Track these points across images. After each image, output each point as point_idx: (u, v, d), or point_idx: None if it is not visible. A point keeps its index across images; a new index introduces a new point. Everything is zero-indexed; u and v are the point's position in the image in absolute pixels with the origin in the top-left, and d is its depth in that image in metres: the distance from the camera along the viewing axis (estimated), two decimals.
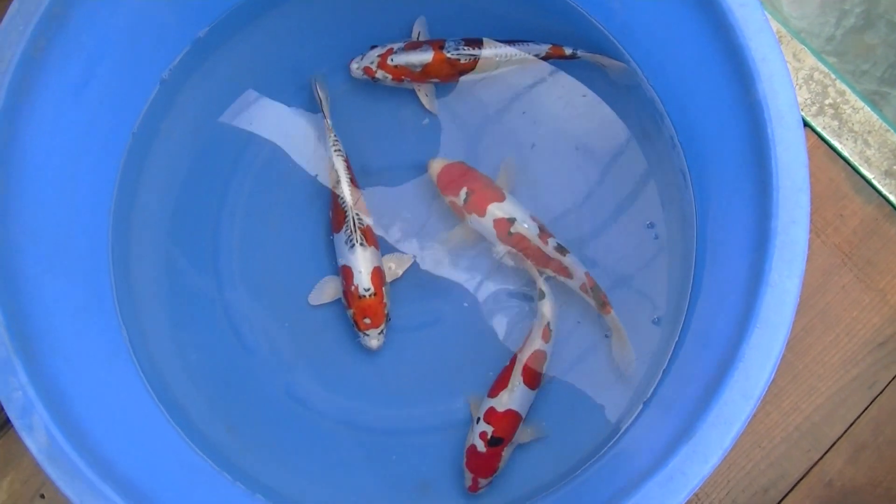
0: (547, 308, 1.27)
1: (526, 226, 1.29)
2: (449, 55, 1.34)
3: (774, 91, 1.04)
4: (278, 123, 1.39)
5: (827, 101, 1.44)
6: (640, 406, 1.24)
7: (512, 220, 1.29)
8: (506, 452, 1.24)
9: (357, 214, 1.30)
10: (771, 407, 1.38)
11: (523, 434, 1.26)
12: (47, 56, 1.12)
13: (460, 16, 1.42)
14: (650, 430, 1.17)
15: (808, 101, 1.44)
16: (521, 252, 1.30)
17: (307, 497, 1.27)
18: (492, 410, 1.24)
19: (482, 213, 1.30)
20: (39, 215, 1.16)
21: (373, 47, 1.37)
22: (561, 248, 1.29)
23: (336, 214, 1.32)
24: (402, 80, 1.36)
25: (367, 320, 1.28)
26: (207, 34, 1.37)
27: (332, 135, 1.34)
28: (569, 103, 1.38)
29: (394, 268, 1.33)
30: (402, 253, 1.34)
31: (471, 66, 1.36)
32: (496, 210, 1.29)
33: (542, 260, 1.29)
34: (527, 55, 1.36)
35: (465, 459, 1.25)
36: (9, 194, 1.10)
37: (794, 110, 1.03)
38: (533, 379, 1.25)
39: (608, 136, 1.36)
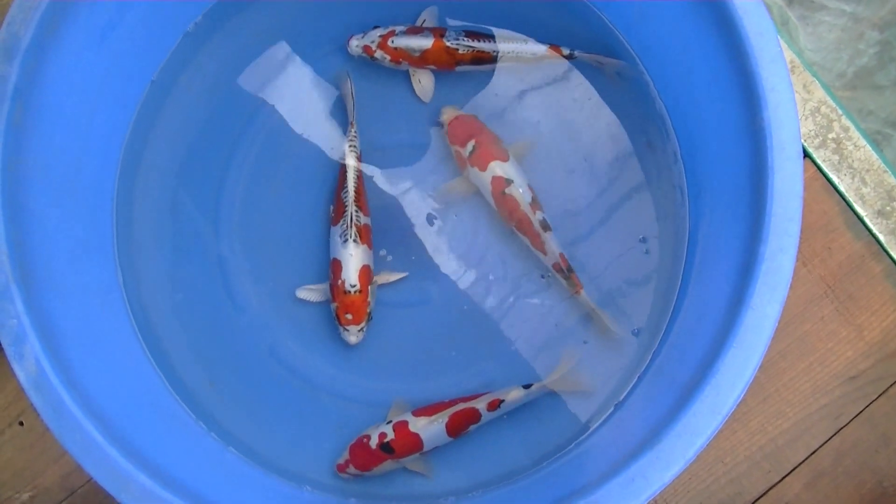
0: (514, 395, 1.27)
1: (521, 191, 1.32)
2: (448, 44, 1.37)
3: (780, 121, 1.06)
4: (296, 91, 1.41)
5: (830, 136, 1.46)
6: (611, 409, 1.26)
7: (509, 182, 1.32)
8: (387, 465, 1.26)
9: (356, 211, 1.32)
10: (738, 425, 1.41)
11: (415, 463, 1.28)
12: None
13: (478, 7, 1.43)
14: (618, 433, 1.20)
15: (813, 133, 1.47)
16: (508, 214, 1.33)
17: (279, 456, 1.30)
18: (403, 424, 1.26)
19: (483, 168, 1.32)
20: (53, 150, 1.18)
21: (375, 27, 1.39)
22: (545, 224, 1.31)
23: (337, 208, 1.34)
24: (400, 63, 1.38)
25: (349, 316, 1.30)
26: None
27: (353, 130, 1.37)
28: (575, 106, 1.40)
29: (384, 278, 1.35)
30: (397, 273, 1.36)
31: (468, 58, 1.38)
32: (497, 168, 1.32)
33: (525, 228, 1.32)
34: (524, 53, 1.39)
35: (353, 441, 1.28)
36: (26, 127, 1.12)
37: (796, 142, 1.06)
38: (455, 429, 1.26)
39: (612, 143, 1.38)
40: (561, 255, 1.31)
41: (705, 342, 1.06)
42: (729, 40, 1.11)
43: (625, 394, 1.26)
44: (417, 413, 1.27)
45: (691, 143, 1.30)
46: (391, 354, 1.35)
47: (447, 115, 1.37)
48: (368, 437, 1.26)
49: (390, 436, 1.25)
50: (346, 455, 1.27)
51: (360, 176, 1.36)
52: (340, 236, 1.31)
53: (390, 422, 1.27)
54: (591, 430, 1.26)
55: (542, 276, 1.35)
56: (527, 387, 1.27)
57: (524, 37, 1.39)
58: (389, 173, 1.40)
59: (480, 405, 1.26)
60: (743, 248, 1.07)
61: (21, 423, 1.41)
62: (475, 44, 1.37)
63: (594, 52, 1.38)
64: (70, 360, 1.09)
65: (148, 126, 1.37)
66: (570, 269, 1.31)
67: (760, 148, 1.07)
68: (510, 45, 1.38)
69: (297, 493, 1.27)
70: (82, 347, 1.13)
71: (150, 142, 1.38)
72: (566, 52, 1.38)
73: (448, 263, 1.37)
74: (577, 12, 1.39)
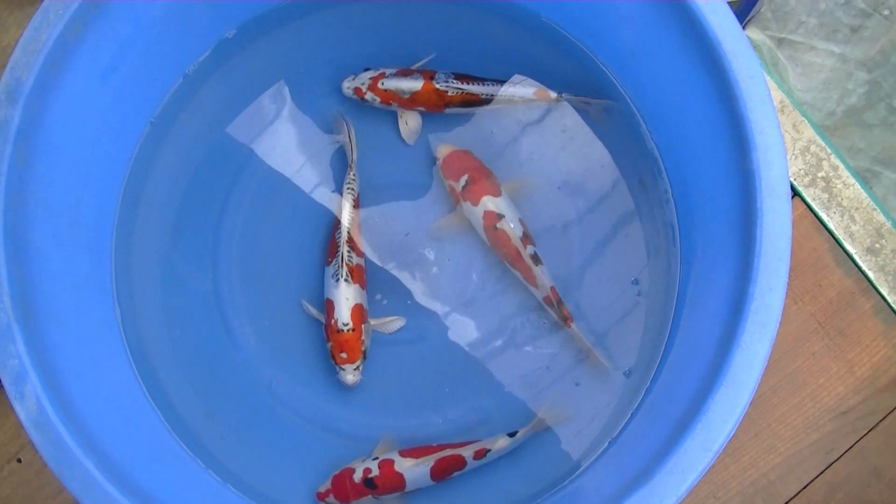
0: (500, 444, 1.27)
1: (512, 225, 1.33)
2: (438, 86, 1.39)
3: (769, 163, 1.07)
4: (294, 130, 1.43)
5: (820, 174, 1.48)
6: (606, 444, 1.27)
7: (501, 216, 1.33)
8: (367, 500, 1.26)
9: (349, 251, 1.33)
10: (730, 460, 1.42)
11: (393, 501, 1.28)
12: (82, 40, 1.16)
13: (471, 47, 1.46)
14: (611, 470, 1.20)
15: (802, 172, 1.48)
16: (499, 248, 1.34)
17: (274, 490, 1.30)
18: (389, 462, 1.26)
19: (476, 203, 1.34)
20: (54, 188, 1.19)
21: (366, 69, 1.41)
22: (535, 258, 1.33)
23: (330, 248, 1.35)
24: (390, 104, 1.40)
25: (344, 355, 1.30)
26: (235, 35, 1.41)
27: (352, 172, 1.38)
28: (568, 145, 1.42)
29: (381, 325, 1.36)
30: (395, 317, 1.37)
31: (458, 100, 1.40)
32: (489, 202, 1.34)
33: (516, 262, 1.33)
34: (513, 96, 1.41)
35: (336, 471, 1.28)
36: (30, 167, 1.13)
37: (785, 183, 1.07)
38: (439, 474, 1.26)
39: (604, 181, 1.40)
40: (552, 288, 1.32)
41: (696, 380, 1.07)
42: (718, 83, 1.13)
43: (618, 430, 1.27)
44: (404, 454, 1.27)
45: (682, 182, 1.32)
46: (386, 391, 1.36)
47: (442, 150, 1.39)
48: (353, 471, 1.26)
49: (375, 472, 1.25)
50: (328, 484, 1.27)
51: (355, 218, 1.37)
52: (333, 276, 1.32)
53: (377, 458, 1.27)
54: (584, 467, 1.27)
55: (542, 321, 1.36)
56: (512, 434, 1.28)
57: (513, 79, 1.42)
58: (384, 213, 1.41)
59: (467, 453, 1.26)
60: (733, 287, 1.08)
61: (19, 460, 1.41)
62: (464, 86, 1.39)
63: (585, 93, 1.40)
64: (70, 398, 1.09)
65: (147, 164, 1.39)
66: (560, 303, 1.32)
67: (749, 189, 1.08)
68: (498, 88, 1.41)
69: None
70: (82, 385, 1.14)
71: (149, 180, 1.39)
72: (553, 94, 1.41)
73: (442, 303, 1.38)
74: (570, 54, 1.41)
